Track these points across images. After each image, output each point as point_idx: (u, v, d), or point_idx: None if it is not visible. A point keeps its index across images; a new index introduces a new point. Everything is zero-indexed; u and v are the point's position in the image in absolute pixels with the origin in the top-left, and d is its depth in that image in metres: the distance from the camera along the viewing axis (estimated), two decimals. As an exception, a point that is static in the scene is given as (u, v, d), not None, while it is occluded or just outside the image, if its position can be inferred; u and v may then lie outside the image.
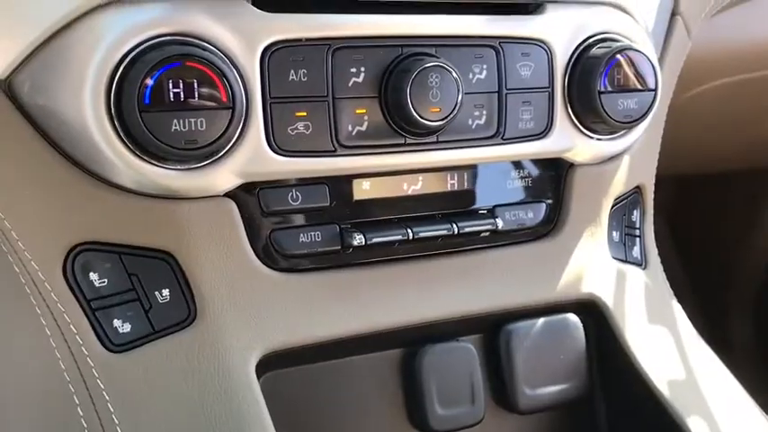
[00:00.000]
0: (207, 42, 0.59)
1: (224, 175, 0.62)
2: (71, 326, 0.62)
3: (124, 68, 0.57)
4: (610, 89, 0.72)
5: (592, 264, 0.79)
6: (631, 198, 0.85)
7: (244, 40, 0.61)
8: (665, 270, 0.89)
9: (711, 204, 1.75)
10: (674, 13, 0.87)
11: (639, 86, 0.74)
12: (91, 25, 0.58)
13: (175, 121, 0.57)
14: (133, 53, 0.57)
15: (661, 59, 0.85)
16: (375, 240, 0.67)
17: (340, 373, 0.72)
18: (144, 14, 0.58)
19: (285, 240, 0.66)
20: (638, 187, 0.85)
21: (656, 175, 0.89)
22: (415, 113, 0.65)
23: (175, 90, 0.57)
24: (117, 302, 0.62)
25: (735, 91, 1.17)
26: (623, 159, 0.80)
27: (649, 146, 0.85)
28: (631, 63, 0.73)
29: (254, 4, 0.62)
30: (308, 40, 0.63)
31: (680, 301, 0.88)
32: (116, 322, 0.62)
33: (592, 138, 0.75)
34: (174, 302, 0.63)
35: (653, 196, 0.88)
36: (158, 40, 0.58)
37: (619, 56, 0.72)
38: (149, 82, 0.56)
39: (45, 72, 0.59)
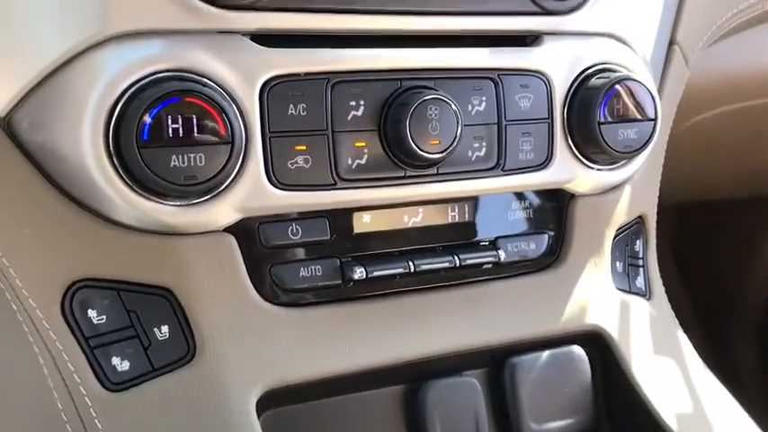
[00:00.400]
0: (206, 78, 0.59)
1: (223, 211, 0.61)
2: (69, 364, 0.61)
3: (122, 105, 0.57)
4: (609, 120, 0.72)
5: (596, 295, 0.78)
6: (634, 228, 0.85)
7: (243, 76, 0.61)
8: (668, 297, 0.88)
9: (713, 231, 1.74)
10: (671, 43, 0.87)
11: (639, 116, 0.74)
12: (89, 63, 0.58)
13: (174, 156, 0.57)
14: (131, 90, 0.57)
15: (660, 89, 0.85)
16: (376, 274, 0.66)
17: (342, 410, 0.71)
18: (142, 51, 0.58)
19: (285, 275, 0.65)
20: (640, 217, 0.85)
21: (658, 202, 0.88)
22: (414, 146, 0.65)
23: (174, 126, 0.57)
24: (116, 340, 0.62)
25: (733, 119, 1.17)
26: (624, 189, 0.80)
27: (650, 175, 0.85)
28: (630, 93, 0.73)
29: (252, 39, 0.62)
30: (306, 74, 0.63)
31: (684, 329, 0.87)
32: (115, 360, 0.62)
33: (592, 168, 0.75)
34: (174, 339, 0.62)
35: (655, 225, 0.87)
36: (157, 77, 0.58)
37: (617, 86, 0.72)
38: (148, 118, 0.56)
39: (43, 109, 0.59)
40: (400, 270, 0.67)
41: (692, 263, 1.77)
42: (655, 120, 0.74)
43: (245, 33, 0.62)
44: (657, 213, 0.88)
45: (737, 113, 1.17)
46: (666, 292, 0.88)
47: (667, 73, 0.87)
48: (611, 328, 0.78)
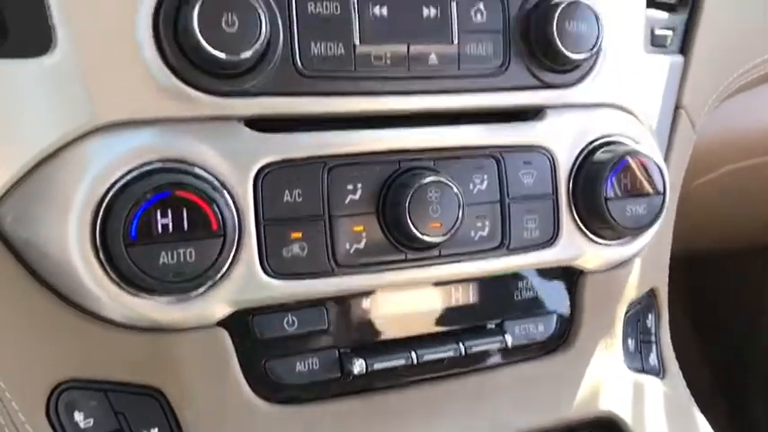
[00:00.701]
0: (197, 167, 0.57)
1: (215, 305, 0.59)
2: None
3: (110, 200, 0.55)
4: (616, 195, 0.70)
5: (607, 378, 0.75)
6: (645, 302, 0.82)
7: (236, 163, 0.59)
8: (682, 354, 0.85)
9: (721, 282, 1.71)
10: (677, 107, 0.85)
11: (647, 191, 0.71)
12: (76, 154, 0.56)
13: (163, 253, 0.54)
14: (120, 183, 0.55)
15: (667, 154, 0.83)
16: (377, 367, 0.63)
17: None
18: (131, 141, 0.56)
19: (281, 370, 0.62)
20: (651, 290, 0.82)
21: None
22: (414, 230, 0.62)
23: (164, 221, 0.55)
24: None
25: (743, 176, 1.15)
26: (635, 263, 0.77)
27: (660, 246, 0.82)
28: (637, 167, 0.71)
29: (247, 124, 0.60)
30: (302, 159, 0.61)
31: (699, 388, 0.83)
32: None
33: (600, 244, 0.72)
34: None
35: (667, 297, 0.84)
36: (146, 169, 0.56)
37: (624, 161, 0.70)
38: (136, 214, 0.54)
39: (29, 203, 0.57)
40: (402, 362, 0.64)
41: (702, 313, 1.73)
42: (663, 193, 0.72)
43: (238, 119, 0.60)
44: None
45: (749, 170, 1.14)
46: (680, 348, 0.85)
47: (674, 137, 0.85)
48: (625, 413, 0.75)
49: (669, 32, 0.83)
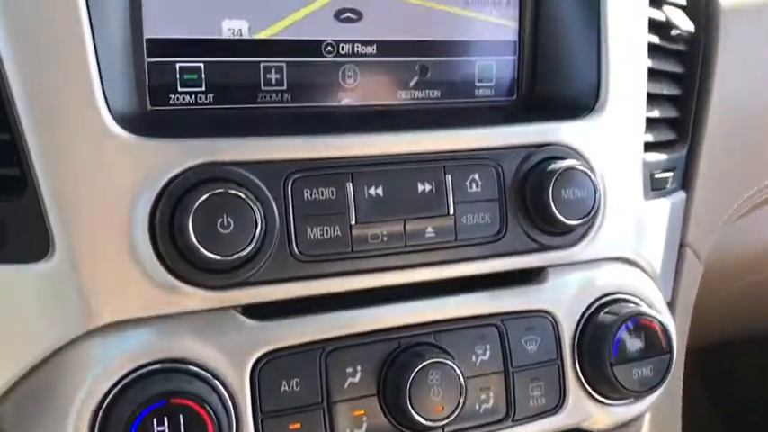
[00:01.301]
0: (193, 365, 0.57)
1: (214, 505, 0.58)
2: None
3: (106, 409, 0.55)
4: (622, 359, 0.68)
5: None
6: (659, 453, 0.80)
7: (233, 357, 0.59)
8: None
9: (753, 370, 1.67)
10: (682, 245, 0.85)
11: (653, 352, 0.70)
12: (73, 357, 0.56)
13: None
14: (116, 389, 0.55)
15: (673, 294, 0.82)
16: None
17: None
18: (128, 343, 0.57)
19: None
20: (664, 439, 0.80)
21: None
22: (416, 415, 0.61)
23: (160, 428, 0.54)
24: None
25: (764, 286, 1.13)
26: (644, 418, 0.75)
27: (672, 397, 0.80)
28: (642, 328, 0.69)
29: (244, 313, 0.60)
30: (299, 345, 0.61)
31: None
32: None
33: (607, 405, 0.71)
34: None
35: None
36: (144, 371, 0.56)
37: (627, 323, 0.69)
38: (132, 425, 0.54)
39: (28, 405, 0.57)
40: None
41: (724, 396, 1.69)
42: (670, 352, 0.70)
43: (235, 308, 0.60)
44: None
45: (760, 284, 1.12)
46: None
47: (680, 275, 0.84)
48: None
49: (669, 175, 0.82)
